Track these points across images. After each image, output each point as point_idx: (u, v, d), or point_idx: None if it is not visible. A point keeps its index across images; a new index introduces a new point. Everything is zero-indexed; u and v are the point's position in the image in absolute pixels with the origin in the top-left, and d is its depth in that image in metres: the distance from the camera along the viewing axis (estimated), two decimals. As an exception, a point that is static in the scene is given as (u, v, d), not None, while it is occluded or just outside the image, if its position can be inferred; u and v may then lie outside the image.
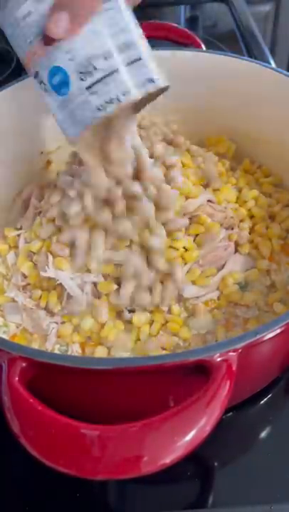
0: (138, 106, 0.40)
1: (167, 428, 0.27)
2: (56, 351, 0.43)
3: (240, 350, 0.30)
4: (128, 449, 0.26)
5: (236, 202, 0.50)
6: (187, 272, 0.44)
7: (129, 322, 0.42)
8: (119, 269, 0.42)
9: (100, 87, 0.35)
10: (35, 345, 0.43)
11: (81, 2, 0.35)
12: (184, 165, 0.50)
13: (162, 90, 0.38)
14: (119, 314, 0.43)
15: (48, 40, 0.35)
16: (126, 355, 0.42)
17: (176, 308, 0.43)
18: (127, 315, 0.42)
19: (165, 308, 0.43)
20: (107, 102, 0.35)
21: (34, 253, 0.46)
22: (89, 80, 0.35)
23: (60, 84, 0.36)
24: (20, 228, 0.51)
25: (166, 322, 0.43)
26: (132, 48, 0.36)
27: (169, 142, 0.54)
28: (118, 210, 0.40)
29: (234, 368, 0.29)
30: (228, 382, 0.29)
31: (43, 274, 0.43)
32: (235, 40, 0.87)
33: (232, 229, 0.48)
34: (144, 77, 0.36)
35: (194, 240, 0.46)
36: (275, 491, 0.38)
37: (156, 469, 0.26)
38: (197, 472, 0.40)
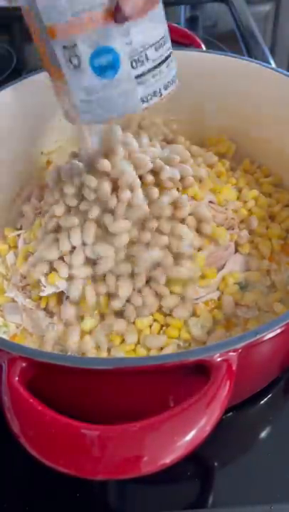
0: None
1: (167, 428, 0.27)
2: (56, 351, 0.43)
3: (240, 350, 0.30)
4: (128, 449, 0.26)
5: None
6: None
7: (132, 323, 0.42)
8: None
9: (148, 78, 0.34)
10: (34, 346, 0.43)
11: None
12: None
13: None
14: (120, 314, 0.43)
15: (117, 15, 0.31)
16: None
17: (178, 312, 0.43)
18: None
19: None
20: (152, 94, 0.34)
21: (33, 253, 0.46)
22: (140, 69, 0.33)
23: (106, 66, 0.33)
24: (20, 228, 0.51)
25: (167, 325, 0.42)
26: (168, 42, 0.35)
27: (169, 142, 0.54)
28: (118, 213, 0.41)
29: (234, 368, 0.29)
30: (228, 382, 0.29)
31: (42, 295, 0.43)
32: (235, 40, 0.87)
33: (232, 229, 0.48)
34: (174, 73, 0.36)
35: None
36: (275, 491, 0.38)
37: (156, 469, 0.26)
38: (197, 472, 0.40)
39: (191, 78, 0.55)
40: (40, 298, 0.44)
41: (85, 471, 0.26)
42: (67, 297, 0.43)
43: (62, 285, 0.43)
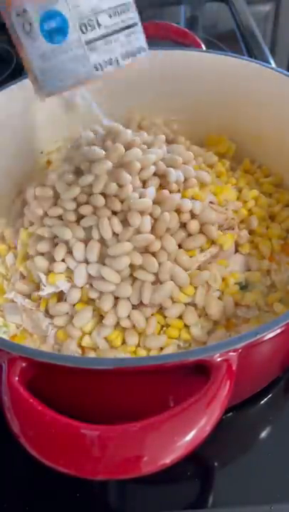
0: None
1: (167, 428, 0.27)
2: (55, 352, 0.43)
3: (240, 350, 0.30)
4: (128, 449, 0.26)
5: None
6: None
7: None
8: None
9: (101, 45, 0.33)
10: (34, 346, 0.43)
11: None
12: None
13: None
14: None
15: None
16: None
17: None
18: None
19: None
20: (106, 62, 0.33)
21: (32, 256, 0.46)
22: (90, 34, 0.33)
23: (54, 30, 0.32)
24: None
25: (167, 326, 0.42)
26: (131, 10, 0.34)
27: (170, 142, 0.54)
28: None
29: (234, 368, 0.29)
30: (228, 382, 0.29)
31: (42, 294, 0.43)
32: (235, 40, 0.87)
33: (232, 229, 0.47)
34: (139, 44, 0.35)
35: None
36: (275, 491, 0.38)
37: (156, 469, 0.26)
38: (197, 472, 0.40)
39: (191, 78, 0.55)
40: (40, 298, 0.44)
41: (85, 471, 0.26)
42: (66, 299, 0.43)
43: (62, 285, 0.43)
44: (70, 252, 0.43)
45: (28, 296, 0.45)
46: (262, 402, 0.44)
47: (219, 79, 0.54)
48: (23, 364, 0.30)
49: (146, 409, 0.28)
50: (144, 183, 0.44)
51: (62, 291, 0.43)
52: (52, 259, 0.43)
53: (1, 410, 0.29)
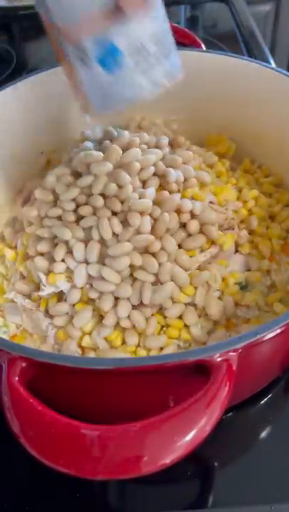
0: None
1: (167, 428, 0.27)
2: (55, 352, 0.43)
3: (240, 350, 0.30)
4: (128, 449, 0.26)
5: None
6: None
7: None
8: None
9: (149, 69, 0.36)
10: (34, 346, 0.43)
11: None
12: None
13: None
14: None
15: (118, 13, 0.34)
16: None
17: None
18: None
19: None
20: (153, 83, 0.37)
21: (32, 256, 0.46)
22: (141, 61, 0.36)
23: (110, 60, 0.36)
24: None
25: (167, 326, 0.42)
26: (167, 36, 0.38)
27: (170, 142, 0.53)
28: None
29: (234, 368, 0.29)
30: (228, 383, 0.29)
31: (42, 294, 0.43)
32: (235, 40, 0.87)
33: (232, 229, 0.47)
34: (176, 66, 0.39)
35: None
36: (275, 491, 0.38)
37: (156, 469, 0.26)
38: (197, 472, 0.40)
39: (191, 78, 0.54)
40: (40, 298, 0.44)
41: (85, 471, 0.26)
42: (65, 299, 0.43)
43: (62, 285, 0.43)
44: (69, 252, 0.43)
45: (28, 296, 0.45)
46: (262, 402, 0.44)
47: (219, 79, 0.54)
48: (23, 364, 0.30)
49: (146, 409, 0.28)
50: (144, 184, 0.44)
51: (62, 291, 0.43)
52: (52, 260, 0.43)
53: (1, 410, 0.29)
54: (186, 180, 0.45)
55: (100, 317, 0.42)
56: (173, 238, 0.42)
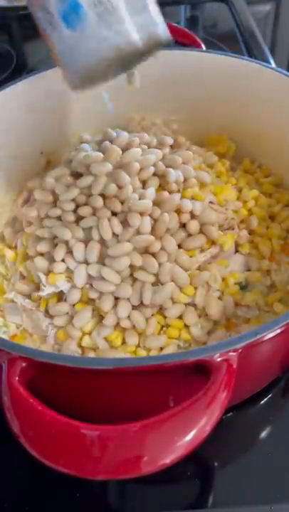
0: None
1: (167, 428, 0.27)
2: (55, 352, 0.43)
3: (240, 350, 0.30)
4: (128, 449, 0.26)
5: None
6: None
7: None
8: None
9: (115, 23, 0.35)
10: (34, 346, 0.43)
11: None
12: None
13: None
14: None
15: None
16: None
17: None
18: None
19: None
20: (122, 36, 0.35)
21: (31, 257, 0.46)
22: (105, 17, 0.35)
23: (73, 17, 0.35)
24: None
25: (167, 326, 0.42)
26: None
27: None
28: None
29: (234, 368, 0.29)
30: (228, 382, 0.29)
31: (42, 294, 0.43)
32: (235, 40, 0.87)
33: (232, 229, 0.47)
34: (156, 23, 0.36)
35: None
36: (275, 491, 0.38)
37: (156, 469, 0.26)
38: (197, 472, 0.40)
39: (191, 78, 0.55)
40: (40, 298, 0.44)
41: (85, 471, 0.26)
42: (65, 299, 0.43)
43: (62, 285, 0.43)
44: (69, 252, 0.43)
45: (28, 296, 0.45)
46: (262, 402, 0.44)
47: (219, 79, 0.54)
48: (23, 364, 0.30)
49: (146, 409, 0.28)
50: (144, 184, 0.44)
51: (62, 291, 0.43)
52: (52, 260, 0.43)
53: (1, 410, 0.29)
54: (186, 180, 0.45)
55: (99, 317, 0.42)
56: (173, 238, 0.42)
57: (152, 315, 0.42)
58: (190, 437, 0.27)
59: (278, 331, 0.31)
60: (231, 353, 0.30)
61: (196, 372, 0.30)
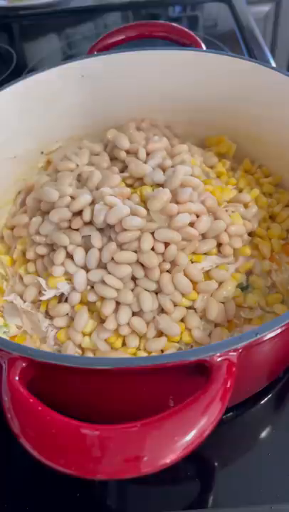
0: None
1: (167, 428, 0.27)
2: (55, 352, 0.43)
3: (240, 350, 0.30)
4: (128, 449, 0.26)
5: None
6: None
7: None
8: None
9: None
10: (34, 346, 0.43)
11: None
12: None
13: None
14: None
15: None
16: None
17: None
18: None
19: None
20: None
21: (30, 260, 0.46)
22: None
23: None
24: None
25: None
26: None
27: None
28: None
29: (234, 368, 0.29)
30: (228, 383, 0.29)
31: (43, 299, 0.43)
32: (235, 40, 0.87)
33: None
34: None
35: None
36: (275, 491, 0.38)
37: (156, 469, 0.26)
38: (197, 472, 0.40)
39: (191, 78, 0.55)
40: (40, 300, 0.44)
41: (85, 471, 0.26)
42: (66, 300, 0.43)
43: (62, 287, 0.43)
44: (69, 256, 0.43)
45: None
46: (262, 402, 0.44)
47: (219, 79, 0.54)
48: (24, 364, 0.30)
49: (146, 409, 0.28)
50: None
51: (62, 292, 0.43)
52: (51, 263, 0.43)
53: (1, 410, 0.29)
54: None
55: (100, 318, 0.42)
56: (184, 254, 0.42)
57: (153, 317, 0.42)
58: (190, 437, 0.27)
59: (278, 330, 0.31)
60: (231, 353, 0.30)
61: (196, 373, 0.30)
